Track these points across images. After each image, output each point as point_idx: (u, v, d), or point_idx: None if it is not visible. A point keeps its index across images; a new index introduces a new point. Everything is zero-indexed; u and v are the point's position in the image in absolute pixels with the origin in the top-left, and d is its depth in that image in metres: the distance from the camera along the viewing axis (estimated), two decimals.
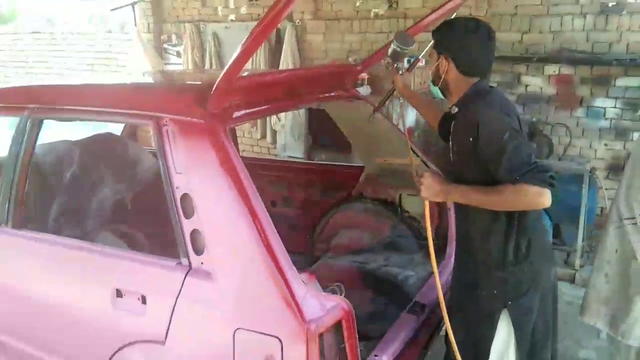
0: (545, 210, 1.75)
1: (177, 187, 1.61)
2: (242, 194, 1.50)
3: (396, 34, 2.11)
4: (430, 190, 1.71)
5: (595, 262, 2.21)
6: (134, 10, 5.89)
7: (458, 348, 1.77)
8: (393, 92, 2.60)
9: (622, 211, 2.06)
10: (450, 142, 1.89)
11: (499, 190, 1.62)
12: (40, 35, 7.49)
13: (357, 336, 1.49)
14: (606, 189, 3.93)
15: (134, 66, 5.81)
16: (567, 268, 3.76)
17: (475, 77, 1.78)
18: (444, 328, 2.04)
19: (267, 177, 3.23)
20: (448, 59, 1.77)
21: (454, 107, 1.84)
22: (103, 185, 3.06)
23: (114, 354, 1.71)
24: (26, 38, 7.58)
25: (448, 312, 1.80)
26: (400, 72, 2.16)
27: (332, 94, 2.39)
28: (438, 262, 2.49)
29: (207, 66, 5.95)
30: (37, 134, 2.07)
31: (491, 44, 1.78)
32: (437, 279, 1.79)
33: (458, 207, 1.88)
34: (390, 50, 2.11)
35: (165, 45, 6.35)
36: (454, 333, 1.78)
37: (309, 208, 3.14)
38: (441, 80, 1.81)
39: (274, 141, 5.49)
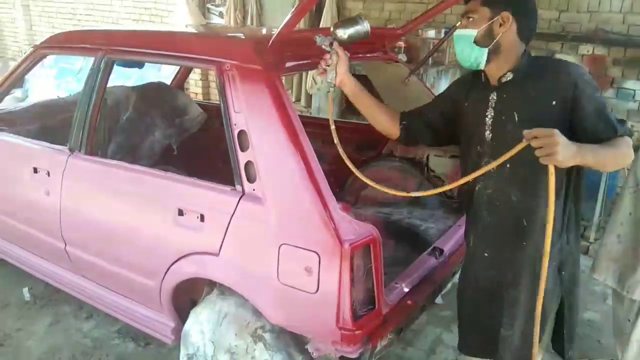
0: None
1: (235, 124, 1.86)
2: (290, 131, 1.74)
3: (360, 17, 1.77)
4: (569, 149, 1.37)
5: (609, 223, 2.37)
6: None
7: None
8: (428, 57, 2.76)
9: (638, 177, 2.22)
10: (494, 119, 1.63)
11: (618, 145, 1.51)
12: None
13: (382, 259, 1.75)
14: (628, 169, 4.05)
15: (178, 23, 6.04)
16: (583, 241, 3.93)
17: (526, 44, 1.62)
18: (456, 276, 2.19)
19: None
20: (510, 18, 1.55)
21: (506, 74, 1.61)
22: (154, 129, 3.35)
23: (173, 264, 2.01)
24: None
25: (494, 296, 1.74)
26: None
27: (374, 54, 2.58)
28: (458, 218, 2.72)
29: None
30: (109, 74, 2.33)
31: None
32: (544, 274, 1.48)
33: (517, 174, 1.61)
34: (353, 33, 1.73)
35: (209, 5, 6.54)
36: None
37: (341, 164, 3.35)
38: (494, 42, 1.56)
39: (308, 104, 5.69)
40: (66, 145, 2.38)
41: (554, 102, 1.53)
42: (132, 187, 2.18)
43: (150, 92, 3.42)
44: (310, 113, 5.60)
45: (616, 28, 4.14)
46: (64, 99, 3.53)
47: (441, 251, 2.36)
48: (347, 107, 5.03)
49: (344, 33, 1.73)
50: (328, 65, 1.75)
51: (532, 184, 1.58)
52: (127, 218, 2.17)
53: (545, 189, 1.40)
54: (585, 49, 4.28)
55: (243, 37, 2.37)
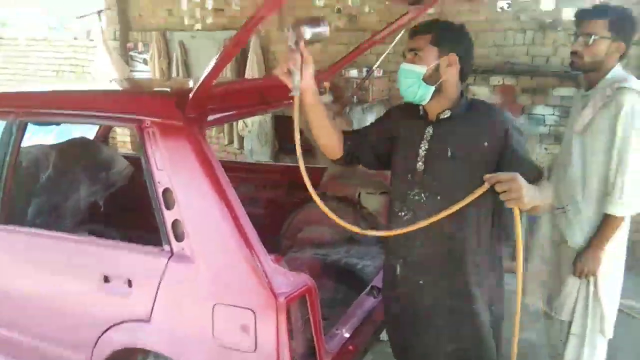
0: None
1: (158, 182, 1.81)
2: (216, 187, 1.72)
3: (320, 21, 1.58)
4: (531, 192, 1.44)
5: (532, 247, 2.50)
6: (100, 18, 5.99)
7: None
8: (351, 99, 2.86)
9: (552, 202, 2.38)
10: (427, 152, 1.70)
11: (548, 186, 1.66)
12: (3, 41, 7.45)
13: (320, 308, 1.74)
14: None
15: (100, 73, 5.90)
16: (512, 261, 4.11)
17: (462, 84, 1.72)
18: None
19: (234, 178, 3.43)
20: (455, 60, 1.63)
21: (445, 112, 1.69)
22: (78, 186, 3.21)
23: (101, 335, 1.90)
24: None
25: (431, 323, 1.78)
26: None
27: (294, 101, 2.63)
28: None
29: (173, 73, 6.09)
30: (22, 137, 2.22)
31: None
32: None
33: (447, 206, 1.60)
34: (317, 33, 1.55)
35: (132, 53, 6.46)
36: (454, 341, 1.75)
37: (275, 208, 3.37)
38: (439, 81, 1.64)
39: (241, 147, 5.68)
40: None
41: (485, 143, 1.63)
42: (53, 255, 2.06)
43: (72, 149, 3.28)
44: (243, 154, 5.59)
45: (521, 59, 4.49)
46: None
47: (379, 290, 2.39)
48: (280, 148, 5.09)
49: (310, 32, 1.54)
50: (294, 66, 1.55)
51: (462, 217, 1.63)
52: (50, 288, 2.04)
53: (475, 225, 1.53)
54: (496, 79, 4.60)
55: (164, 92, 2.35)
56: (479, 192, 1.48)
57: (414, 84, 1.65)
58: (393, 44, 2.59)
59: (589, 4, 4.26)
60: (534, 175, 1.62)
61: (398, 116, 1.86)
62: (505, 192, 1.43)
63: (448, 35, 1.65)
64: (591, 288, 2.18)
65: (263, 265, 1.65)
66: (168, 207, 1.79)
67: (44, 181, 3.08)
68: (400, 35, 2.55)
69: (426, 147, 1.71)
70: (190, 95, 1.80)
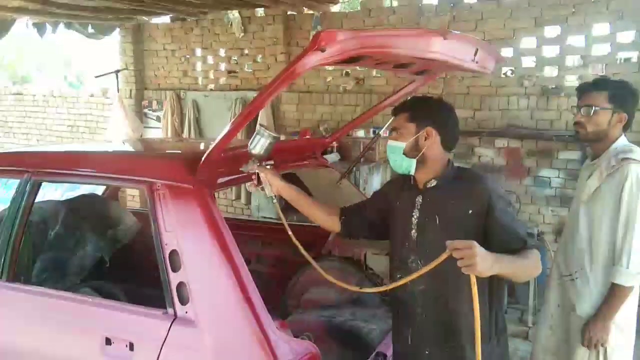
0: None
1: (166, 244, 1.83)
2: (224, 251, 1.73)
3: (261, 127, 1.90)
4: (487, 261, 1.46)
5: (540, 316, 2.46)
6: (117, 78, 6.22)
7: None
8: (358, 160, 2.92)
9: (561, 269, 2.36)
10: (419, 219, 1.78)
11: (528, 257, 1.61)
12: (21, 97, 7.72)
13: None
14: (554, 251, 4.29)
15: (114, 129, 6.07)
16: (521, 325, 4.02)
17: (449, 154, 1.81)
18: None
19: (242, 235, 3.44)
20: (433, 132, 1.74)
21: (431, 181, 1.78)
22: (85, 243, 3.23)
23: None
24: (9, 98, 7.79)
25: None
26: (269, 167, 1.96)
27: (305, 162, 2.69)
28: None
29: (185, 131, 6.25)
30: (35, 195, 2.27)
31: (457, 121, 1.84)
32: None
33: (446, 280, 1.69)
34: (264, 145, 1.87)
35: (146, 110, 6.66)
36: None
37: (281, 265, 3.35)
38: (421, 153, 1.75)
39: (248, 202, 5.73)
40: None
41: (470, 211, 1.68)
42: (56, 315, 2.04)
43: (81, 205, 3.33)
44: (250, 209, 5.62)
45: (525, 123, 4.58)
46: None
47: (384, 356, 2.33)
48: (286, 205, 5.11)
49: (255, 150, 1.89)
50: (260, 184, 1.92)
51: (455, 287, 1.69)
52: (51, 349, 2.01)
53: (469, 295, 1.47)
54: (501, 142, 4.67)
55: (175, 154, 2.41)
56: (443, 257, 1.48)
57: (398, 158, 1.79)
58: None
59: (590, 71, 4.41)
60: (518, 245, 1.64)
61: (393, 188, 1.96)
62: (462, 259, 1.45)
63: (423, 111, 1.78)
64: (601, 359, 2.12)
65: (267, 333, 1.63)
66: (174, 269, 1.80)
67: (52, 238, 3.10)
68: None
69: (417, 215, 1.79)
70: (203, 158, 1.85)
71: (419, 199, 1.80)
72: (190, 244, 1.80)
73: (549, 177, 4.57)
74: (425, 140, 1.75)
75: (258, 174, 1.95)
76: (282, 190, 1.95)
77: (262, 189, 1.95)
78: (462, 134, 4.77)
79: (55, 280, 3.00)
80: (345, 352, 2.60)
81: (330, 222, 2.02)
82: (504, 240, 1.63)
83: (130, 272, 3.28)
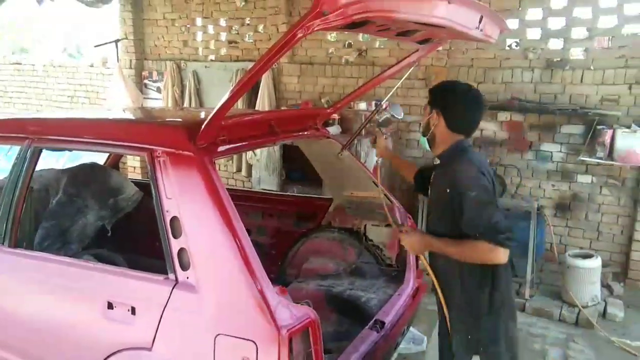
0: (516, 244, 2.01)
1: (167, 211, 1.84)
2: (225, 217, 1.74)
3: (390, 104, 2.57)
4: (415, 247, 2.03)
5: None
6: (117, 47, 6.14)
7: None
8: (359, 132, 2.92)
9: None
10: (429, 191, 2.13)
11: (460, 243, 1.87)
12: (20, 67, 7.65)
13: (322, 342, 1.73)
14: (553, 225, 4.32)
15: (114, 100, 6.02)
16: (518, 298, 4.06)
17: (460, 135, 2.01)
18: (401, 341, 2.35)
19: (243, 207, 3.46)
20: (439, 115, 2.00)
21: (436, 158, 2.09)
22: (86, 211, 3.24)
23: None
24: (8, 69, 7.72)
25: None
26: (385, 137, 2.48)
27: (306, 132, 2.68)
28: (398, 286, 2.77)
29: (186, 102, 6.21)
30: (36, 162, 2.27)
31: (477, 109, 2.01)
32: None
33: (442, 256, 2.01)
34: (382, 118, 2.57)
35: (146, 81, 6.60)
36: None
37: (281, 236, 3.38)
38: (430, 132, 2.05)
39: (249, 174, 5.73)
40: None
41: (447, 190, 1.92)
42: (58, 280, 2.07)
43: (82, 174, 3.33)
44: (251, 182, 5.63)
45: (529, 97, 4.54)
46: None
47: (382, 324, 2.37)
48: (287, 177, 5.12)
49: (381, 119, 2.60)
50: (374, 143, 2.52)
51: (445, 263, 2.04)
52: (53, 313, 2.05)
53: (458, 271, 1.96)
54: (504, 116, 4.64)
55: (176, 121, 2.40)
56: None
57: (420, 134, 2.18)
58: (402, 79, 2.64)
59: (596, 45, 4.35)
60: (470, 232, 1.85)
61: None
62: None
63: (437, 96, 2.06)
64: None
65: (267, 297, 1.65)
66: (175, 236, 1.81)
67: (54, 205, 3.12)
68: (410, 70, 2.60)
69: (430, 188, 2.16)
70: (203, 125, 1.84)
71: (433, 174, 2.13)
72: (191, 211, 1.81)
73: (551, 152, 4.55)
74: (433, 121, 2.03)
75: (376, 136, 2.49)
76: (384, 153, 2.55)
77: (374, 147, 2.55)
78: None
79: (57, 247, 3.03)
80: (343, 319, 2.65)
81: (407, 175, 2.49)
82: (463, 223, 1.86)
83: (132, 241, 3.31)
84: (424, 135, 2.10)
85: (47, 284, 2.10)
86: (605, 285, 4.13)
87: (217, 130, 1.96)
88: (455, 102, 1.99)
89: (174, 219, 1.82)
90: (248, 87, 1.79)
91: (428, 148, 2.11)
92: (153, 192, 1.89)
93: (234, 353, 1.64)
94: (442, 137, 2.03)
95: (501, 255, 1.81)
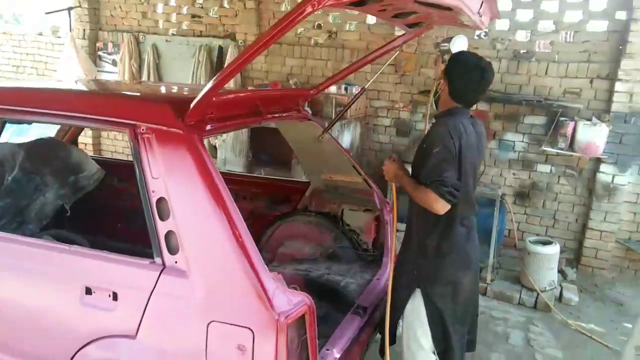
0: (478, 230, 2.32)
1: (153, 191, 1.73)
2: (218, 198, 1.65)
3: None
4: (389, 174, 2.26)
5: None
6: (69, 15, 5.75)
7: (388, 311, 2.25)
8: (340, 116, 2.86)
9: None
10: None
11: (418, 187, 2.10)
12: None
13: (317, 329, 1.69)
14: (513, 213, 4.47)
15: (65, 71, 5.65)
16: (480, 282, 4.19)
17: (457, 103, 2.19)
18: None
19: None
20: (446, 81, 2.20)
21: (434, 118, 2.29)
22: (45, 189, 3.03)
23: (79, 350, 1.77)
24: None
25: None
26: (392, 159, 2.33)
27: (288, 113, 2.60)
28: (375, 271, 2.78)
29: (144, 77, 5.93)
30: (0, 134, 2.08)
31: (481, 82, 2.15)
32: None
33: (409, 202, 2.27)
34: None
35: (101, 53, 6.24)
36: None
37: (254, 220, 3.29)
38: (437, 95, 2.28)
39: (214, 156, 5.56)
40: None
41: (424, 145, 2.15)
42: (27, 264, 1.91)
43: (41, 149, 3.09)
44: (216, 163, 5.47)
45: (495, 87, 4.62)
46: None
47: (364, 309, 2.36)
48: (253, 159, 5.00)
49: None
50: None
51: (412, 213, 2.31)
52: (22, 300, 1.89)
53: (412, 218, 2.29)
54: None
55: (160, 96, 2.26)
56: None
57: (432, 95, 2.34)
58: (387, 64, 2.61)
59: (561, 38, 4.48)
60: (422, 180, 2.09)
61: None
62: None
63: (449, 63, 2.23)
64: None
65: (264, 283, 1.58)
66: (162, 218, 1.71)
67: (9, 182, 2.89)
68: (395, 55, 2.57)
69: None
70: (194, 102, 1.74)
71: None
72: (180, 192, 1.70)
73: (513, 141, 4.69)
74: (441, 86, 2.22)
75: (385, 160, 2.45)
76: (394, 179, 2.36)
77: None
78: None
79: (14, 227, 2.81)
80: (322, 305, 2.62)
81: None
82: (422, 173, 2.10)
83: (93, 222, 3.13)
84: (434, 95, 2.30)
85: (16, 268, 1.93)
86: (559, 271, 4.33)
87: (206, 107, 1.86)
88: (459, 72, 2.16)
89: (161, 200, 1.71)
90: (246, 63, 1.69)
91: (436, 109, 2.31)
92: (137, 171, 1.77)
93: (228, 340, 1.57)
94: (443, 102, 2.23)
95: (440, 206, 2.03)
